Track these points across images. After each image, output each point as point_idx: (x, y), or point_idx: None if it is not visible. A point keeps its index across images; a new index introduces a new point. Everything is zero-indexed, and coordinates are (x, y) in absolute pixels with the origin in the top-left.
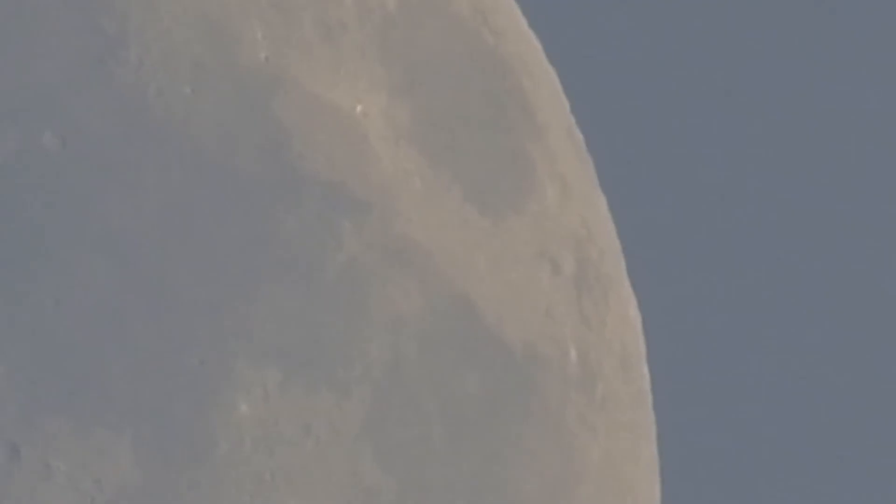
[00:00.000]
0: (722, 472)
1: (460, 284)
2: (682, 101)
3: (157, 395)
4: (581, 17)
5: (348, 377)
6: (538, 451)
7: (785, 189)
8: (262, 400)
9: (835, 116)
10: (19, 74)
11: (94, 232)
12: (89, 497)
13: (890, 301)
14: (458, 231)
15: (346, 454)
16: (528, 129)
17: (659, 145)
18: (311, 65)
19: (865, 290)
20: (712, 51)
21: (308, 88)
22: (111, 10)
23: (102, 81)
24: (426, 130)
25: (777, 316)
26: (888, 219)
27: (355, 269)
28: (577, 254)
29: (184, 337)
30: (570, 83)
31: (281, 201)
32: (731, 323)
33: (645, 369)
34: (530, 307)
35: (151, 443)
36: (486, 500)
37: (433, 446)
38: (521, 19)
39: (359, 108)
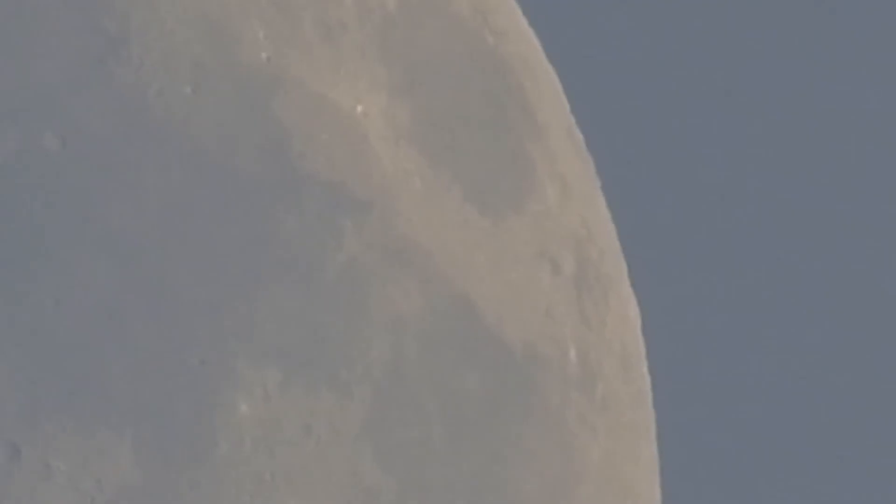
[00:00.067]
0: (722, 472)
1: (460, 284)
2: (682, 101)
3: (158, 395)
4: (581, 17)
5: (348, 377)
6: (538, 450)
7: (785, 189)
8: (263, 400)
9: (835, 116)
10: (19, 74)
11: (94, 232)
12: (89, 497)
13: (890, 301)
14: (458, 231)
15: (346, 454)
16: (528, 129)
17: (659, 145)
18: (312, 65)
19: (865, 290)
20: (712, 51)
21: (308, 88)
22: (112, 10)
23: (102, 81)
24: (426, 130)
25: (777, 316)
26: (888, 219)
27: (355, 269)
28: (577, 254)
29: (184, 337)
30: (570, 83)
31: (281, 201)
32: (731, 323)
33: (645, 369)
34: (530, 307)
35: (152, 443)
36: (486, 500)
37: (433, 446)
38: (521, 19)
39: (359, 108)
